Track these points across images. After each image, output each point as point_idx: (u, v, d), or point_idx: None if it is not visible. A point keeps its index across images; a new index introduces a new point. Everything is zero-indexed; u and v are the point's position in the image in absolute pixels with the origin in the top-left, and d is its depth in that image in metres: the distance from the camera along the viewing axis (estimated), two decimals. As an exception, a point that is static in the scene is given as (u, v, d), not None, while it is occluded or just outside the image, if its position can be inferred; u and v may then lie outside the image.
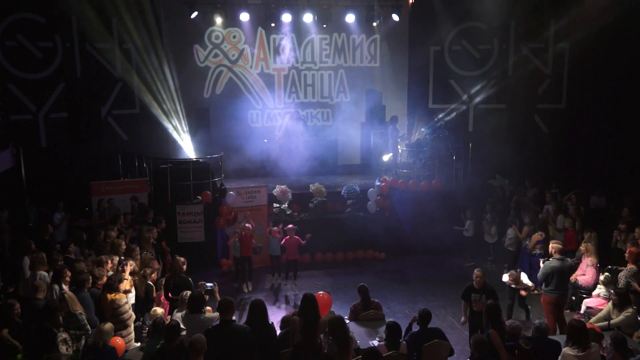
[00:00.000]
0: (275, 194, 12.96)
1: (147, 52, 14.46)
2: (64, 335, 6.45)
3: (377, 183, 13.35)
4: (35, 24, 13.00)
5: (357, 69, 16.78)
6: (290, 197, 13.07)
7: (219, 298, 6.69)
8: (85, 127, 13.40)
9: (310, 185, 13.48)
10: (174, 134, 15.15)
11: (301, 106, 16.69)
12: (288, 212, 13.03)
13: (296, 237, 11.25)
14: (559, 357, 6.26)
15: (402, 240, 13.13)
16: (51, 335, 6.33)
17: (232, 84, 16.30)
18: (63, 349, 6.30)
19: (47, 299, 7.15)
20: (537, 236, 10.58)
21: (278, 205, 13.05)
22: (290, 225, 11.37)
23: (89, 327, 6.83)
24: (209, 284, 7.57)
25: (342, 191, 13.45)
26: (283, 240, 11.30)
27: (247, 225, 11.11)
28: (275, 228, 11.43)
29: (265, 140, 15.81)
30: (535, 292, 10.26)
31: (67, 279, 7.86)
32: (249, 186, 12.83)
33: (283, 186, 13.07)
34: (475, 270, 7.93)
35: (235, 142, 14.99)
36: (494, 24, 15.14)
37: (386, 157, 14.80)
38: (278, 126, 16.41)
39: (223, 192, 12.43)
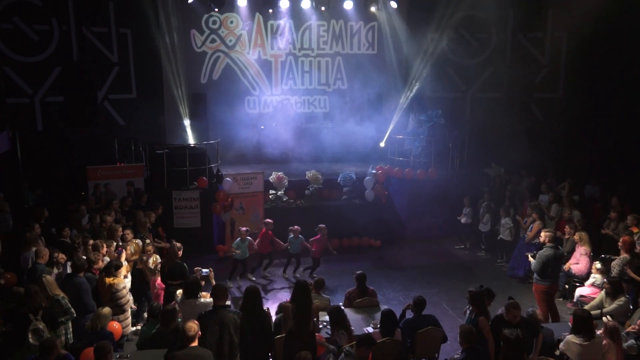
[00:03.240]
0: (271, 180, 12.94)
1: (144, 36, 14.33)
2: (40, 325, 6.23)
3: (372, 171, 13.32)
4: (32, 6, 12.85)
5: (355, 56, 16.69)
6: (286, 184, 13.06)
7: (214, 284, 6.73)
8: (81, 111, 13.31)
9: (307, 172, 13.45)
10: (171, 120, 15.10)
11: (298, 93, 16.63)
12: (284, 199, 13.04)
13: (270, 232, 10.98)
14: (561, 343, 6.31)
15: (398, 228, 13.26)
16: (26, 321, 6.19)
17: (229, 69, 16.20)
18: (32, 339, 6.08)
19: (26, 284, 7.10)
20: (538, 225, 10.57)
21: (274, 192, 13.06)
22: (267, 220, 11.11)
23: (73, 310, 6.79)
24: (204, 270, 7.58)
25: (339, 178, 13.45)
26: (259, 235, 10.97)
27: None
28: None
29: (262, 127, 15.78)
30: (530, 280, 10.36)
31: (62, 261, 7.84)
32: (246, 172, 12.84)
33: (279, 173, 13.05)
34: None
35: (232, 128, 14.93)
36: (492, 13, 15.08)
37: (383, 144, 14.76)
38: (275, 112, 16.33)
39: (219, 178, 12.44)
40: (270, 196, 12.96)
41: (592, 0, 13.96)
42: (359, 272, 8.09)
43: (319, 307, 7.27)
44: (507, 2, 15.03)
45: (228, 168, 14.13)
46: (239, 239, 10.63)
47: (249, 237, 10.61)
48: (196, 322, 5.59)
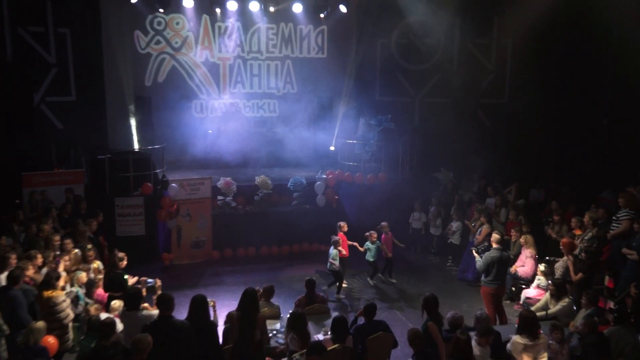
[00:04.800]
0: (219, 186, 12.82)
1: (84, 37, 13.85)
2: None
3: (322, 176, 13.39)
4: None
5: (304, 60, 16.71)
6: (235, 189, 12.97)
7: (159, 294, 6.57)
8: (16, 114, 12.72)
9: (256, 177, 13.38)
10: (113, 124, 14.64)
11: (247, 96, 16.51)
12: (233, 205, 12.94)
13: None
14: (508, 344, 6.49)
15: (349, 233, 13.14)
16: None
17: (175, 72, 15.89)
18: None
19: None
20: (487, 229, 10.77)
21: (222, 197, 12.94)
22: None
23: (5, 327, 6.48)
24: (150, 280, 7.44)
25: (289, 184, 13.43)
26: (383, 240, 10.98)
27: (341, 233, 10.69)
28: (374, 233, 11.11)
29: (210, 131, 15.55)
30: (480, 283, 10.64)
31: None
32: (193, 178, 12.62)
33: (227, 178, 12.96)
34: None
35: (178, 133, 14.70)
36: (441, 19, 15.37)
37: (333, 148, 14.88)
38: (223, 117, 16.16)
39: (165, 184, 12.18)
40: (218, 202, 12.82)
41: (536, 9, 14.43)
42: (307, 278, 8.10)
43: (267, 316, 7.17)
44: (455, 9, 15.37)
45: (174, 174, 13.85)
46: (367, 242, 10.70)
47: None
48: (148, 336, 5.41)
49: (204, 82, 16.23)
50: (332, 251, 10.33)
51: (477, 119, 16.62)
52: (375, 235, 11.04)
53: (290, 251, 12.99)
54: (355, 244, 10.98)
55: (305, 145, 15.41)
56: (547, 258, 9.80)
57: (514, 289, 10.19)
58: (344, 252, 10.51)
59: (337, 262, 10.24)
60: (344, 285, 10.60)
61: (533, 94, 15.01)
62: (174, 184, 12.08)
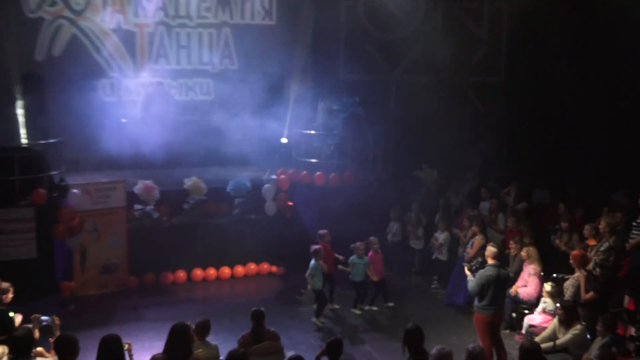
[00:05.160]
0: (136, 192, 12.74)
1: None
2: None
3: (271, 177, 13.50)
4: None
5: (247, 28, 16.75)
6: (157, 195, 12.90)
7: (58, 335, 6.50)
8: None
9: (185, 180, 13.32)
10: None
11: (173, 75, 16.44)
12: (155, 216, 12.82)
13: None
14: None
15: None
16: None
17: (77, 43, 15.63)
18: None
19: None
20: (480, 240, 10.97)
21: (141, 207, 12.83)
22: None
23: None
24: (45, 318, 7.37)
25: (228, 187, 13.43)
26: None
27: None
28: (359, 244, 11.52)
29: (124, 120, 15.51)
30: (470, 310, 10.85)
31: None
32: (101, 182, 12.61)
33: (147, 182, 12.89)
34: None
35: (81, 123, 14.58)
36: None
37: (285, 140, 14.96)
38: (141, 101, 16.11)
39: (64, 190, 11.97)
40: (135, 213, 12.75)
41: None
42: (254, 309, 8.10)
43: (202, 359, 7.11)
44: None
45: (76, 176, 13.59)
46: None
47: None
48: None
49: (115, 55, 15.99)
50: (312, 264, 10.74)
51: (468, 103, 16.91)
52: (362, 248, 11.31)
53: (231, 275, 13.03)
54: (342, 257, 11.45)
55: (250, 137, 15.44)
56: (555, 275, 10.09)
57: (514, 315, 10.37)
58: (325, 267, 10.87)
59: (315, 278, 10.76)
60: (335, 307, 11.17)
61: (535, 70, 15.45)
62: (75, 190, 11.93)
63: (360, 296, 11.51)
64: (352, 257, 11.33)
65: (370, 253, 11.51)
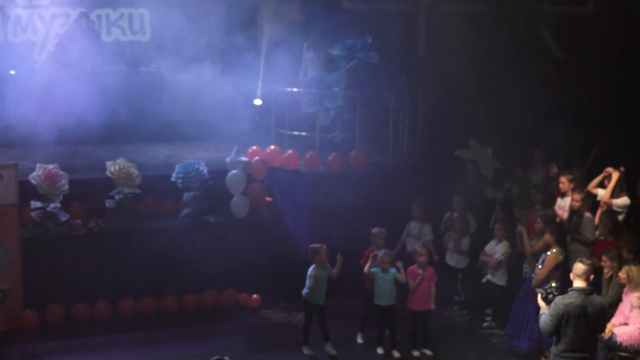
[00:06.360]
0: (34, 181, 12.36)
1: None
2: None
3: (239, 158, 13.36)
4: None
5: None
6: (65, 187, 12.58)
7: None
8: None
9: (109, 164, 12.95)
10: None
11: (87, 3, 16.34)
12: (62, 219, 12.57)
13: None
14: None
15: (294, 270, 12.92)
16: None
17: None
18: None
19: None
20: (555, 255, 10.71)
21: (41, 205, 12.52)
22: None
23: None
24: None
25: (173, 175, 13.19)
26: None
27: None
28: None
29: (13, 72, 15.40)
30: (543, 359, 10.79)
31: None
32: None
33: (50, 166, 12.53)
34: None
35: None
36: None
37: (259, 102, 14.85)
38: (44, 43, 16.31)
39: None
40: (33, 213, 12.46)
41: None
42: (215, 358, 7.92)
43: None
44: None
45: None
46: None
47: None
48: None
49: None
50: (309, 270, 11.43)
51: (538, 44, 16.73)
52: (388, 258, 11.41)
53: (179, 307, 12.90)
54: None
55: (206, 98, 15.22)
56: None
57: (609, 366, 10.10)
58: (332, 271, 11.38)
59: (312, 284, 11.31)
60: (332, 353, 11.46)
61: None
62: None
63: (389, 328, 11.63)
64: (375, 270, 11.49)
65: (412, 268, 11.58)
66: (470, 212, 12.86)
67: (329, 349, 11.50)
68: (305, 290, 11.35)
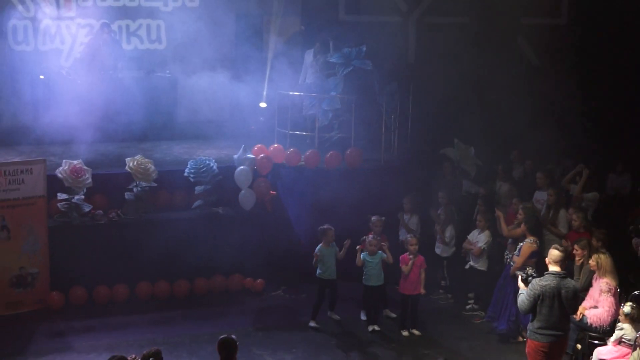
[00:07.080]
0: (61, 175, 12.59)
1: None
2: None
3: (246, 155, 13.58)
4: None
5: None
6: (89, 181, 12.79)
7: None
8: None
9: (128, 160, 13.22)
10: None
11: (107, 14, 16.38)
12: (86, 210, 12.88)
13: None
14: None
15: (295, 258, 13.47)
16: None
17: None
18: None
19: None
20: (531, 245, 10.94)
21: (68, 197, 12.81)
22: None
23: None
24: None
25: (186, 170, 13.44)
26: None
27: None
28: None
29: (42, 77, 15.60)
30: (520, 338, 11.03)
31: None
32: (11, 161, 12.68)
33: (76, 162, 12.77)
34: None
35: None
36: None
37: (264, 105, 14.95)
38: (70, 51, 16.19)
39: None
40: (60, 204, 12.76)
41: None
42: (222, 337, 8.07)
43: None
44: None
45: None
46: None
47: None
48: None
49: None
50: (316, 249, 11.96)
51: (516, 53, 16.78)
52: (375, 242, 11.80)
53: (190, 291, 13.17)
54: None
55: (216, 101, 15.60)
56: (637, 293, 9.79)
57: (579, 346, 10.34)
58: (339, 252, 12.02)
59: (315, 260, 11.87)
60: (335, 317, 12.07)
61: (609, 9, 15.27)
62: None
63: (373, 308, 12.06)
64: (364, 254, 11.80)
65: (404, 255, 11.91)
66: (454, 205, 12.98)
67: (332, 315, 12.13)
68: (318, 271, 11.80)
